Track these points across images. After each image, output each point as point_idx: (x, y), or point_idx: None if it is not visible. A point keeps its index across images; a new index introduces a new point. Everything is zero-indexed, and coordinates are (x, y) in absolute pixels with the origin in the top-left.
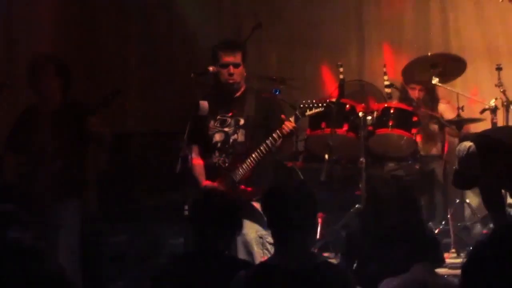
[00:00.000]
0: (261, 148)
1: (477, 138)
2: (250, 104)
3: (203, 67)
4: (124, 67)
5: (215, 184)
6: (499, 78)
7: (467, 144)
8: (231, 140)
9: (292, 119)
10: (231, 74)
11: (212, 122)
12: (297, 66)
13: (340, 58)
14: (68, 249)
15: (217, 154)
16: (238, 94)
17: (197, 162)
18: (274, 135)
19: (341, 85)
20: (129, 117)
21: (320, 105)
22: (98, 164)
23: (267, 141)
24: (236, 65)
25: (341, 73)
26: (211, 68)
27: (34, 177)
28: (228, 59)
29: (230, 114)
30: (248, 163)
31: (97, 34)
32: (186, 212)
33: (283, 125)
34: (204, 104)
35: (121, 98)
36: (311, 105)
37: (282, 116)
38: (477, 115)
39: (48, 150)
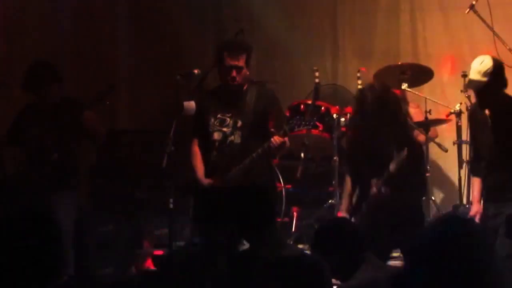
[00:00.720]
0: (253, 155)
1: None
2: (250, 104)
3: (188, 69)
4: (114, 68)
5: (210, 181)
6: (464, 84)
7: None
8: (228, 141)
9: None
10: (233, 78)
11: (212, 120)
12: (276, 71)
13: (316, 63)
14: (64, 236)
15: (214, 152)
16: (239, 95)
17: (196, 152)
18: (264, 145)
19: (317, 88)
20: (118, 115)
21: (307, 123)
22: (89, 157)
23: (258, 150)
24: (239, 69)
25: (316, 77)
26: (195, 71)
27: (32, 169)
28: (232, 62)
29: (229, 114)
30: (241, 167)
31: (88, 36)
32: (171, 205)
33: (272, 139)
34: (190, 104)
35: (112, 98)
36: (299, 123)
37: (272, 129)
38: (444, 118)
39: (45, 143)
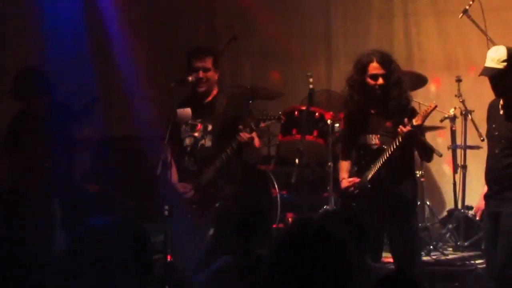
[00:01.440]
0: (223, 155)
1: None
2: (220, 108)
3: (181, 76)
4: (107, 75)
5: (186, 185)
6: (458, 89)
7: None
8: (199, 145)
9: (248, 129)
10: (200, 79)
11: (184, 127)
12: (270, 77)
13: (310, 69)
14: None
15: (186, 158)
16: (208, 99)
17: (172, 162)
18: (233, 144)
19: (311, 94)
20: (112, 122)
21: (272, 117)
22: (83, 164)
23: (227, 149)
24: (205, 70)
25: (310, 83)
26: (190, 78)
27: (25, 177)
28: (198, 64)
29: (199, 120)
30: (212, 168)
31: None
32: (166, 212)
33: (239, 135)
34: (185, 111)
35: (104, 105)
36: (264, 118)
37: (240, 126)
38: (438, 124)
39: (37, 152)
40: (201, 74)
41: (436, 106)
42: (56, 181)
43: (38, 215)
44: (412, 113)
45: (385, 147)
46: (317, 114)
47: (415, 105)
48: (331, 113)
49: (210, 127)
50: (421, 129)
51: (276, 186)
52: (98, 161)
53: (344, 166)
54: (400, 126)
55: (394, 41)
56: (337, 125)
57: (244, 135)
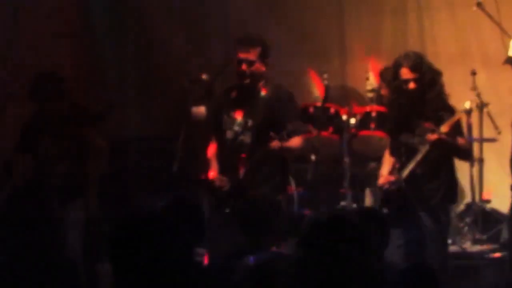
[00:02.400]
0: (250, 161)
1: None
2: (261, 104)
3: (196, 74)
4: (122, 76)
5: (222, 178)
6: (473, 82)
7: None
8: (238, 140)
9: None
10: (242, 72)
11: (225, 118)
12: (285, 74)
13: (324, 65)
14: (73, 246)
15: (226, 151)
16: (252, 93)
17: (211, 151)
18: (263, 151)
19: (326, 90)
20: (127, 123)
21: (305, 131)
22: (99, 167)
23: (256, 155)
24: (249, 63)
25: (325, 79)
26: (203, 76)
27: (40, 179)
28: (242, 55)
29: (241, 113)
30: (249, 165)
31: (94, 43)
32: None
33: (272, 143)
34: (199, 110)
35: (120, 107)
36: (292, 133)
37: (271, 133)
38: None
39: (52, 154)
40: (244, 67)
41: (461, 117)
42: (71, 184)
43: (51, 216)
44: (451, 111)
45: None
46: (332, 110)
47: None
48: (346, 109)
49: (250, 123)
50: (458, 130)
51: (292, 183)
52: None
53: (386, 161)
54: (428, 134)
55: (408, 35)
56: (352, 120)
57: (275, 144)
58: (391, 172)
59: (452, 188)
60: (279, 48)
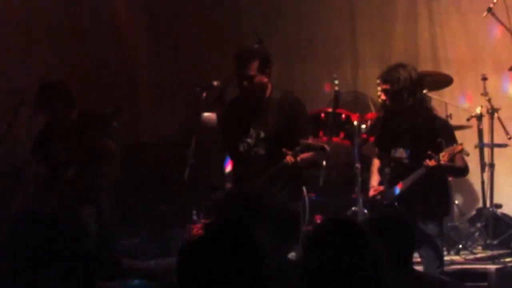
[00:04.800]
0: (265, 176)
1: None
2: (272, 114)
3: (208, 81)
4: (136, 83)
5: None
6: (484, 88)
7: None
8: (252, 152)
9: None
10: (244, 89)
11: (236, 131)
12: (296, 80)
13: (335, 71)
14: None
15: (241, 164)
16: (260, 104)
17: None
18: (278, 166)
19: (337, 96)
20: (141, 129)
21: (318, 147)
22: (112, 172)
23: (272, 169)
24: (249, 78)
25: (336, 85)
26: (215, 83)
27: (51, 186)
28: (240, 72)
29: (252, 125)
30: (264, 177)
31: (110, 51)
32: (195, 217)
33: (286, 158)
34: (211, 116)
35: (131, 112)
36: (308, 147)
37: (283, 149)
38: (464, 122)
39: (62, 159)
40: (245, 84)
41: (462, 149)
42: (82, 189)
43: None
44: (438, 128)
45: (414, 167)
46: (343, 115)
47: (441, 105)
48: (357, 114)
49: (262, 135)
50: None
51: (304, 188)
52: (127, 168)
53: (375, 172)
54: (426, 160)
55: (419, 40)
56: (363, 126)
57: (289, 159)
58: (380, 183)
59: (445, 201)
60: (291, 54)
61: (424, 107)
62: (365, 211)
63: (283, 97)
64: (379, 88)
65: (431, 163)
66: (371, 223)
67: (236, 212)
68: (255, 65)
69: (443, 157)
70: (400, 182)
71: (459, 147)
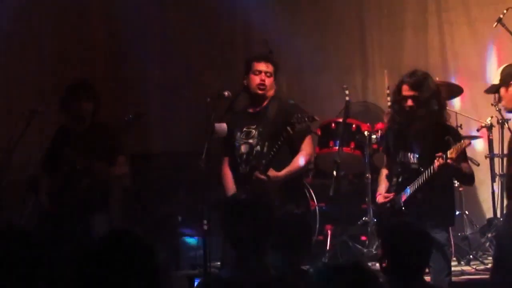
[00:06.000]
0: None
1: None
2: (271, 113)
3: (218, 91)
4: (146, 93)
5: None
6: (494, 98)
7: None
8: (254, 151)
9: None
10: (262, 81)
11: (238, 134)
12: (307, 91)
13: (346, 80)
14: None
15: (243, 165)
16: (263, 105)
17: (227, 172)
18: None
19: (347, 106)
20: (150, 139)
21: (308, 117)
22: (123, 181)
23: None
24: (268, 74)
25: (346, 95)
26: (226, 93)
27: (64, 194)
28: (261, 67)
29: (254, 126)
30: (267, 176)
31: (119, 59)
32: (205, 227)
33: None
34: (222, 125)
35: (144, 122)
36: (301, 118)
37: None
38: (475, 133)
39: (77, 168)
40: (263, 76)
41: (470, 143)
42: (94, 198)
43: (77, 230)
44: (447, 131)
45: (422, 169)
46: (354, 126)
47: (451, 116)
48: (367, 124)
49: (263, 136)
50: (463, 156)
51: (314, 198)
52: (138, 177)
53: (383, 179)
54: (435, 161)
55: (429, 50)
56: (374, 136)
57: (273, 176)
58: (388, 191)
59: (452, 210)
60: (301, 65)
61: (444, 113)
62: (375, 220)
63: (282, 100)
64: (389, 99)
65: (438, 161)
66: (384, 234)
67: (245, 223)
68: (272, 67)
69: (451, 154)
70: (408, 187)
71: (467, 141)
